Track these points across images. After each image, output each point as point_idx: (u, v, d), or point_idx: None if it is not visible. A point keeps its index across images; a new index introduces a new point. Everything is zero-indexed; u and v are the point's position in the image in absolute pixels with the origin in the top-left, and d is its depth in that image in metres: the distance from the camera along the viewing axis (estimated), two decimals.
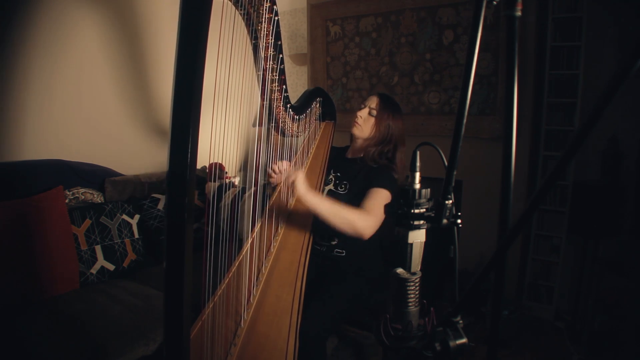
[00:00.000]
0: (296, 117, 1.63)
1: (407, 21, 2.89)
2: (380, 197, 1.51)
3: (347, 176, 1.70)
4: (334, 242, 1.65)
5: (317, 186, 1.67)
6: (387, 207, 1.53)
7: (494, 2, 0.59)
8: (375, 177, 1.57)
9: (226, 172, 2.78)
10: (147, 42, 2.62)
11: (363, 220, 1.44)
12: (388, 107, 1.67)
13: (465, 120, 0.65)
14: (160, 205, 2.32)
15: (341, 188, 1.70)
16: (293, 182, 1.42)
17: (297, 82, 3.55)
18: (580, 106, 2.35)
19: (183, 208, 0.62)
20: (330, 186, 1.72)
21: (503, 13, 0.58)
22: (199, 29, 0.60)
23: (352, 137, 1.75)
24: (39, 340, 1.47)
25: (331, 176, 1.74)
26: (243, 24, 1.15)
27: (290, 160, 1.74)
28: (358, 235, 1.45)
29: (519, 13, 0.57)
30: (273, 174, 1.59)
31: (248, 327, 1.17)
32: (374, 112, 1.66)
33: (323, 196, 1.51)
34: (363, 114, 1.68)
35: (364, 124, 1.67)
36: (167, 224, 0.62)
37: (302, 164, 1.79)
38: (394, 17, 2.93)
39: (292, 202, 1.65)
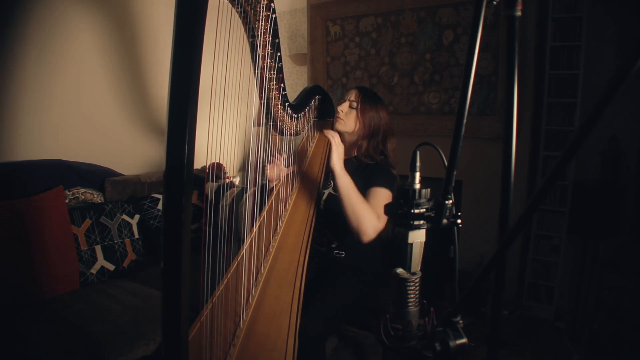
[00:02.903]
0: (294, 115, 1.62)
1: (407, 21, 2.89)
2: (382, 198, 1.49)
3: None
4: (333, 245, 1.65)
5: (317, 187, 1.67)
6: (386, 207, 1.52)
7: (494, 2, 0.59)
8: (375, 176, 1.55)
9: (226, 172, 2.77)
10: (146, 41, 2.62)
11: (371, 221, 1.41)
12: (368, 98, 1.65)
13: (465, 120, 0.65)
14: (160, 205, 2.32)
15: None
16: (330, 144, 1.48)
17: (297, 82, 3.55)
18: (580, 106, 2.35)
19: (180, 207, 0.61)
20: (330, 189, 1.71)
21: (503, 13, 0.58)
22: (195, 27, 0.60)
23: (340, 135, 1.74)
24: (39, 340, 1.47)
25: (331, 179, 1.73)
26: (240, 22, 1.15)
27: (288, 160, 1.74)
28: (359, 234, 1.42)
29: (519, 13, 0.57)
30: (267, 169, 1.59)
31: (247, 328, 1.17)
32: (354, 104, 1.65)
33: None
34: (344, 107, 1.67)
35: (346, 118, 1.66)
36: (164, 223, 0.62)
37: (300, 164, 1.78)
38: (394, 17, 2.93)
39: (291, 202, 1.65)
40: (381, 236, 1.70)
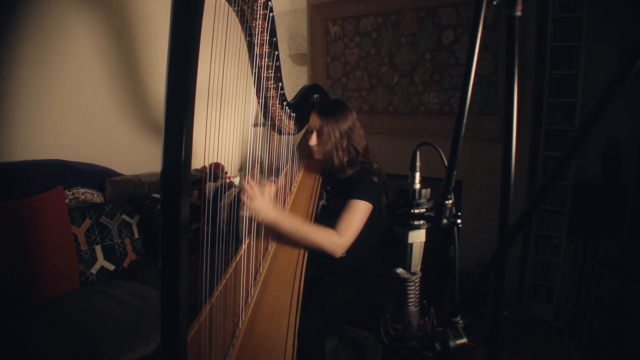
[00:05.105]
0: (293, 114, 1.62)
1: (407, 21, 2.88)
2: (355, 211, 1.48)
3: (336, 189, 1.68)
4: None
5: (312, 196, 1.66)
6: (371, 216, 1.52)
7: (494, 2, 0.59)
8: (352, 188, 1.53)
9: (226, 172, 2.77)
10: (144, 41, 2.62)
11: (330, 242, 1.45)
12: (329, 116, 1.60)
13: (465, 120, 0.65)
14: None
15: (332, 202, 1.68)
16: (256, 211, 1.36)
17: (297, 82, 3.55)
18: (580, 106, 2.35)
19: (178, 208, 0.61)
20: (324, 201, 1.71)
21: (503, 13, 0.58)
22: (192, 26, 0.60)
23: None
24: (39, 340, 1.46)
25: (323, 190, 1.73)
26: (237, 21, 1.14)
27: (288, 159, 1.73)
28: (329, 255, 1.46)
29: (519, 13, 0.57)
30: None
31: (246, 328, 1.17)
32: (321, 132, 1.60)
33: (290, 217, 1.47)
34: (314, 140, 1.62)
35: (321, 147, 1.62)
36: (162, 223, 0.62)
37: (298, 166, 1.78)
38: (394, 17, 2.93)
39: (289, 201, 1.65)
40: (382, 235, 1.70)
